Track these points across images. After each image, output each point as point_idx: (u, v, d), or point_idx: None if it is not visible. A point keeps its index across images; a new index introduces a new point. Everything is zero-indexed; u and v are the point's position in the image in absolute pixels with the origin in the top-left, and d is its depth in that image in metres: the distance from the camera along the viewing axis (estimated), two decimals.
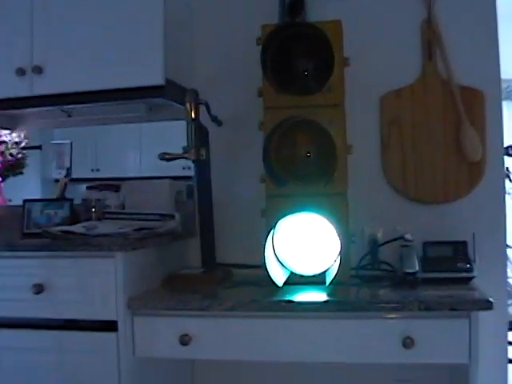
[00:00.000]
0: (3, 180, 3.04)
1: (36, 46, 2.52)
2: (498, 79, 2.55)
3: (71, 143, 2.97)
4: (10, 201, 3.07)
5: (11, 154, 3.02)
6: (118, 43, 2.46)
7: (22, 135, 3.04)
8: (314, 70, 2.34)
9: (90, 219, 2.61)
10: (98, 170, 3.16)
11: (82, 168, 3.10)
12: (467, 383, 2.01)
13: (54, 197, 2.84)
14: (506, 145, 5.62)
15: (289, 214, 2.22)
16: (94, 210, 2.60)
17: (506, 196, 4.73)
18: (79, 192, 2.87)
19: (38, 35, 2.53)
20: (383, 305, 2.03)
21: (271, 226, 2.26)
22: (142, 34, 2.44)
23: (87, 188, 2.79)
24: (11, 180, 3.08)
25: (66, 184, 2.76)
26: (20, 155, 3.03)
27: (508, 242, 2.64)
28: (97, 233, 2.23)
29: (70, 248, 2.18)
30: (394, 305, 2.01)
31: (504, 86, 6.85)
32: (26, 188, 3.17)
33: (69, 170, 2.95)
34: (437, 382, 2.50)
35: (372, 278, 2.40)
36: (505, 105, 7.24)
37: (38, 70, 2.50)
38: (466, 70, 2.53)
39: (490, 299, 1.96)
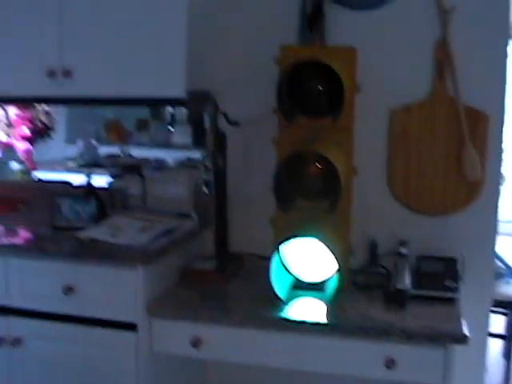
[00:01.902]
0: (32, 144, 3.46)
1: (66, 51, 2.87)
2: (503, 103, 2.85)
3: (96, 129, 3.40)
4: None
5: (40, 121, 3.43)
6: (143, 55, 2.81)
7: None
8: (328, 91, 2.66)
9: (114, 207, 3.06)
10: None
11: None
12: None
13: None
14: None
15: (290, 238, 2.61)
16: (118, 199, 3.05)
17: None
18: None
19: (68, 41, 2.87)
20: (371, 330, 2.47)
21: (278, 239, 2.67)
22: (166, 49, 2.78)
23: (112, 177, 3.22)
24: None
25: (91, 174, 3.16)
26: (48, 122, 3.43)
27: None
28: (121, 242, 2.66)
29: (96, 257, 2.63)
30: (380, 331, 2.45)
31: None
32: (52, 148, 3.61)
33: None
34: None
35: (369, 283, 2.83)
36: None
37: (67, 73, 2.85)
38: (474, 91, 2.83)
39: (466, 334, 2.37)
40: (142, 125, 3.77)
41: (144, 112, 3.74)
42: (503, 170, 2.96)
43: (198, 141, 3.26)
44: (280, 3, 3.01)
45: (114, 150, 3.73)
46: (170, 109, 3.68)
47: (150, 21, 2.79)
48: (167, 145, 3.69)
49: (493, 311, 3.93)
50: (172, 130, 3.65)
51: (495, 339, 4.45)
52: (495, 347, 4.64)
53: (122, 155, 3.62)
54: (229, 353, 2.62)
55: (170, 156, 3.65)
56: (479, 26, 2.83)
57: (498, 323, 4.37)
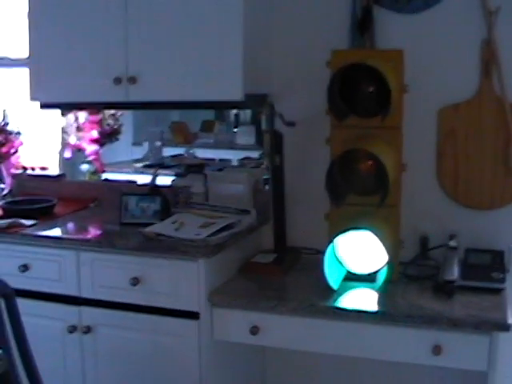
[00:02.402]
0: (101, 147, 3.74)
1: (130, 59, 3.12)
2: None
3: (162, 131, 3.66)
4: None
5: (108, 125, 3.70)
6: (204, 61, 3.03)
7: None
8: (377, 92, 2.85)
9: (178, 205, 3.31)
10: None
11: None
12: None
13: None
14: None
15: (344, 231, 2.81)
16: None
17: None
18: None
19: (132, 49, 3.11)
20: (419, 319, 2.64)
21: (332, 232, 2.87)
22: (225, 55, 2.99)
23: (176, 176, 3.47)
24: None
25: (156, 174, 3.41)
26: (116, 126, 3.71)
27: None
28: (184, 237, 2.89)
29: (161, 251, 2.88)
30: (427, 319, 2.62)
31: None
32: (119, 150, 3.90)
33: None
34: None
35: (419, 275, 3.00)
36: None
37: (132, 80, 3.11)
38: None
39: (509, 322, 2.53)
40: (206, 126, 4.02)
41: (209, 114, 3.99)
42: None
43: (261, 141, 3.49)
44: (331, 9, 3.20)
45: (179, 151, 3.99)
46: (234, 110, 3.92)
47: (209, 28, 3.01)
48: (231, 145, 3.93)
49: None
50: (236, 130, 3.89)
51: None
52: None
53: (186, 156, 3.87)
54: (284, 339, 2.84)
55: (234, 156, 3.88)
56: None
57: None
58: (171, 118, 4.10)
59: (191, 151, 3.96)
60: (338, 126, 2.89)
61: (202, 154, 3.98)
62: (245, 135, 3.93)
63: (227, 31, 2.99)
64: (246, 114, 3.99)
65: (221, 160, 3.96)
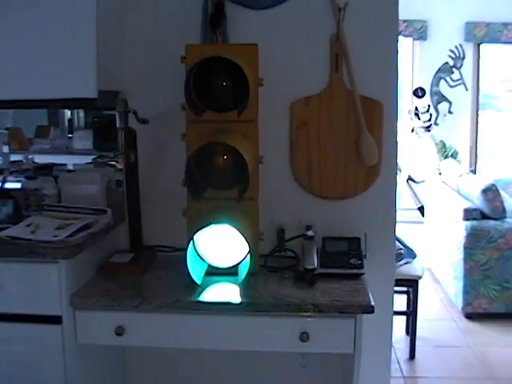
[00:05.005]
0: None
1: None
2: (395, 92, 3.19)
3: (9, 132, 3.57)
4: None
5: None
6: (53, 57, 2.95)
7: None
8: (232, 87, 2.92)
9: (29, 207, 3.25)
10: None
11: None
12: (353, 369, 2.77)
13: None
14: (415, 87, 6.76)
15: (204, 226, 2.84)
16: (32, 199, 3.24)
17: (413, 134, 5.82)
18: None
19: None
20: (284, 307, 2.72)
21: (191, 228, 2.91)
22: (77, 50, 2.94)
23: (26, 178, 3.39)
24: None
25: (4, 178, 3.33)
26: None
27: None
28: (42, 239, 2.84)
29: (18, 254, 2.80)
30: (293, 307, 2.71)
31: (418, 26, 7.68)
32: None
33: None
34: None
35: (279, 266, 3.10)
36: (418, 44, 8.19)
37: None
38: (368, 82, 3.15)
39: (372, 304, 2.67)
40: (42, 132, 3.95)
41: (43, 119, 3.92)
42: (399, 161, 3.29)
43: (100, 144, 3.48)
44: (184, 4, 3.23)
45: (18, 157, 3.89)
46: (68, 115, 3.87)
47: (59, 24, 2.96)
48: (69, 151, 3.88)
49: (395, 291, 4.29)
50: (72, 136, 3.84)
51: (399, 317, 4.85)
52: (400, 325, 5.03)
53: (25, 162, 3.79)
54: (151, 338, 2.83)
55: (71, 161, 3.83)
56: (371, 20, 3.15)
57: (400, 302, 4.77)
58: (5, 124, 3.98)
59: (30, 157, 3.87)
60: (194, 121, 2.91)
61: (40, 159, 3.90)
62: (82, 140, 3.88)
63: (79, 27, 2.94)
64: (80, 119, 3.95)
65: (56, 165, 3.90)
